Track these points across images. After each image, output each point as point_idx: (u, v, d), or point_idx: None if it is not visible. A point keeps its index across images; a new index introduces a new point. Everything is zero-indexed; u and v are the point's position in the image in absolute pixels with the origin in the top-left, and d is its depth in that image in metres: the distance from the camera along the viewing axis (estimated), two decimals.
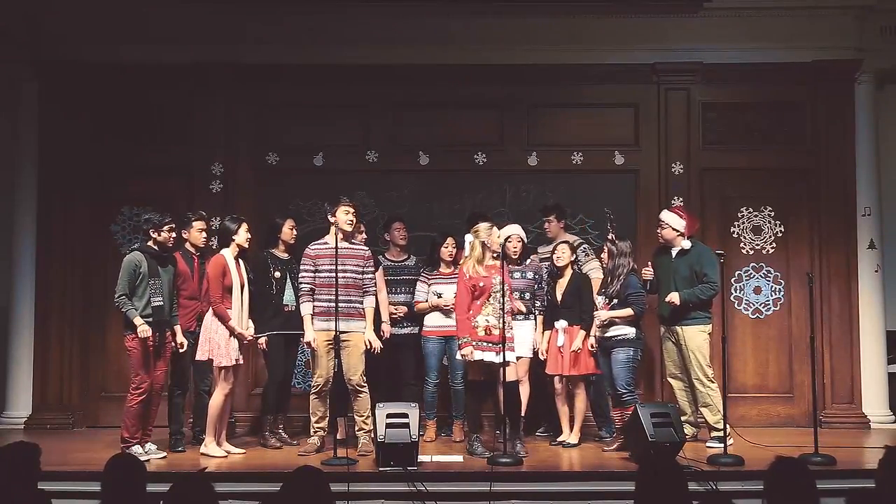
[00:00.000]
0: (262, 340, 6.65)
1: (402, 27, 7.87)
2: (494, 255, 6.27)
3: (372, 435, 6.10)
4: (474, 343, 6.16)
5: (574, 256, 6.93)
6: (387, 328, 6.86)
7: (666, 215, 6.98)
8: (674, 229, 6.87)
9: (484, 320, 6.23)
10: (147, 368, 6.13)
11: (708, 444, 6.58)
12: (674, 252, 6.86)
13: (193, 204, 7.61)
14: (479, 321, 6.23)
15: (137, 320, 6.07)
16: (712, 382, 6.71)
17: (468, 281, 6.23)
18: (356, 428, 6.38)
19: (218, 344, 6.25)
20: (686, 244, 6.83)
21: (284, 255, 6.86)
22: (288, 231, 6.88)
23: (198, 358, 6.37)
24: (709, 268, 6.70)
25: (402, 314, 7.08)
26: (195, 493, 3.48)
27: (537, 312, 6.86)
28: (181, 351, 6.42)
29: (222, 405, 6.32)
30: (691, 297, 6.68)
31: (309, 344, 6.30)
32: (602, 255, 6.79)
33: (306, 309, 6.34)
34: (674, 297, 6.71)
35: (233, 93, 7.99)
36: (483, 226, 6.35)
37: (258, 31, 7.85)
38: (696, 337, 6.74)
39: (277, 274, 6.76)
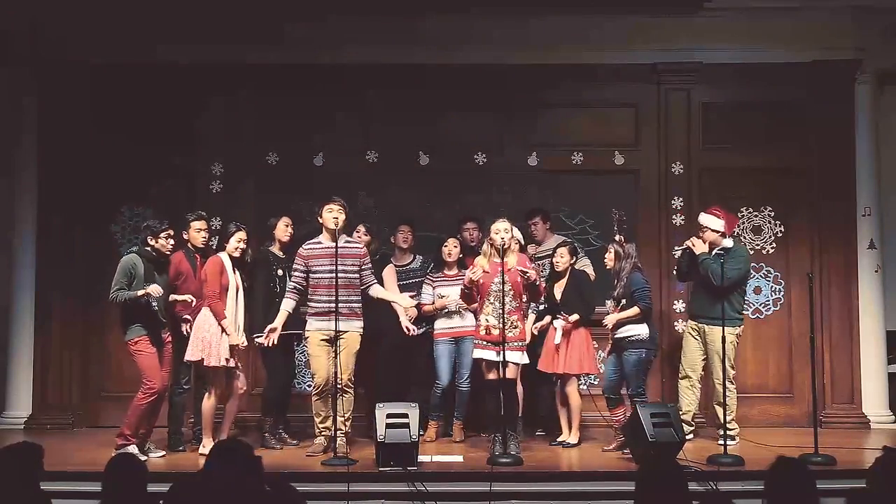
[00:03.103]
0: (262, 339, 6.64)
1: (402, 27, 7.86)
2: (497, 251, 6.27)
3: (347, 436, 6.16)
4: (484, 342, 6.25)
5: (574, 259, 6.91)
6: (408, 323, 6.71)
7: (704, 218, 6.96)
8: (713, 230, 6.85)
9: (485, 320, 6.26)
10: (157, 370, 6.13)
11: (720, 444, 6.57)
12: (713, 253, 6.81)
13: (194, 204, 7.60)
14: (482, 321, 6.28)
15: (140, 291, 6.05)
16: (731, 383, 6.70)
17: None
18: (335, 428, 6.22)
19: (209, 342, 6.23)
20: (728, 243, 6.79)
21: (280, 254, 6.86)
22: (283, 228, 6.86)
23: (188, 358, 6.32)
24: (732, 264, 6.67)
25: (413, 316, 6.99)
26: (195, 493, 3.48)
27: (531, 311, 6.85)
28: (187, 333, 6.41)
29: (213, 407, 6.32)
30: (707, 265, 6.69)
31: (273, 330, 6.28)
32: (607, 256, 6.75)
33: (286, 305, 6.35)
34: (697, 244, 6.79)
35: (233, 93, 7.99)
36: (496, 224, 6.35)
37: (258, 32, 7.84)
38: (726, 337, 6.64)
39: (280, 272, 6.77)
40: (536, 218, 7.40)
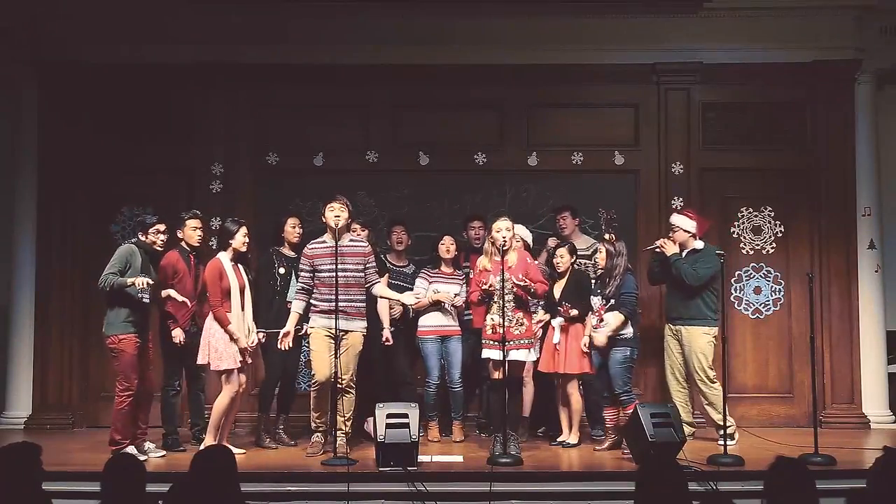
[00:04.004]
0: (261, 335, 6.62)
1: (402, 27, 7.87)
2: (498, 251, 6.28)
3: (347, 436, 6.13)
4: (491, 342, 6.26)
5: (574, 259, 6.91)
6: (388, 334, 6.81)
7: (676, 218, 7.01)
8: (685, 231, 6.89)
9: (490, 319, 6.27)
10: (136, 369, 6.11)
11: (720, 444, 6.57)
12: (684, 254, 6.86)
13: (193, 204, 7.61)
14: (487, 320, 6.30)
15: (129, 280, 6.00)
16: (714, 383, 6.72)
17: (477, 276, 6.41)
18: (335, 428, 6.21)
19: (216, 348, 6.21)
20: (698, 245, 6.83)
21: (290, 253, 6.85)
22: (290, 229, 6.88)
23: (199, 362, 6.33)
24: (703, 263, 6.74)
25: (398, 314, 7.03)
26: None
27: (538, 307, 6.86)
28: (179, 343, 6.41)
29: (227, 407, 6.28)
30: (678, 265, 6.74)
31: (287, 334, 6.27)
32: (599, 256, 6.74)
33: (296, 307, 6.34)
34: (668, 245, 6.83)
35: (233, 93, 7.99)
36: (497, 223, 6.36)
37: (258, 31, 7.85)
38: (700, 339, 6.76)
39: (282, 270, 6.76)
40: (566, 213, 7.41)
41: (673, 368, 6.98)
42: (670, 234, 6.98)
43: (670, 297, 7.03)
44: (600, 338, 6.51)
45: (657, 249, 6.96)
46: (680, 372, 6.95)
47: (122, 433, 6.09)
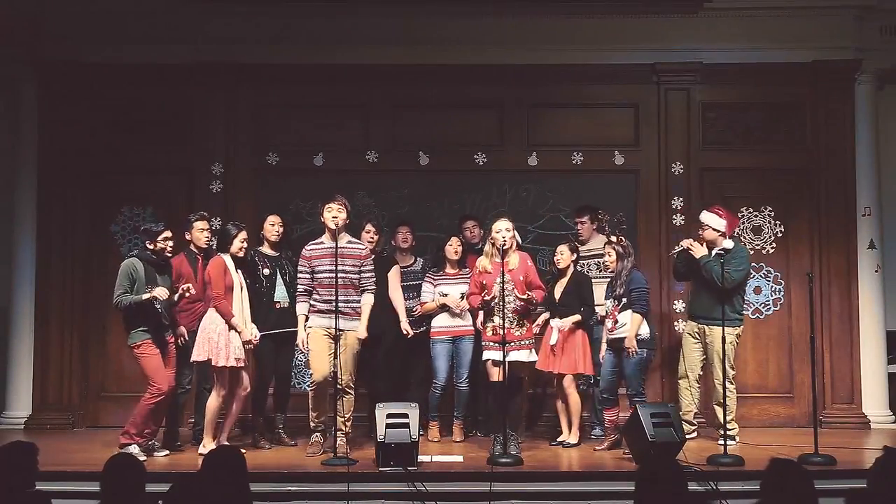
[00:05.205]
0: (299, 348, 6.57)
1: (402, 27, 7.87)
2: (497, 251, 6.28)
3: (347, 436, 6.12)
4: (492, 343, 6.26)
5: (575, 257, 6.91)
6: (407, 327, 6.84)
7: (705, 216, 6.91)
8: (714, 230, 6.80)
9: (490, 321, 6.27)
10: (162, 370, 6.11)
11: (720, 444, 6.57)
12: (713, 252, 6.76)
13: (193, 204, 7.62)
14: (488, 322, 6.30)
15: (144, 294, 6.02)
16: (731, 384, 6.68)
17: (477, 276, 6.40)
18: (335, 428, 6.18)
19: (216, 343, 6.22)
20: (728, 244, 6.74)
21: (271, 252, 6.83)
22: (269, 227, 6.83)
23: (194, 359, 6.30)
24: (736, 265, 6.62)
25: (418, 313, 7.06)
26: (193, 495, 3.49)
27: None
28: (181, 342, 6.41)
29: (218, 407, 6.28)
30: (710, 267, 6.60)
31: (302, 343, 6.29)
32: (608, 259, 6.66)
33: (301, 309, 6.34)
34: (696, 246, 6.72)
35: (233, 93, 7.99)
36: (497, 224, 6.35)
37: (258, 31, 7.85)
38: (727, 338, 6.64)
39: (266, 271, 6.74)
40: (585, 217, 7.33)
41: (689, 367, 6.92)
42: (700, 233, 6.91)
43: (697, 297, 6.92)
44: (628, 343, 6.39)
45: (682, 251, 6.86)
46: (692, 370, 6.90)
47: (137, 428, 6.09)
